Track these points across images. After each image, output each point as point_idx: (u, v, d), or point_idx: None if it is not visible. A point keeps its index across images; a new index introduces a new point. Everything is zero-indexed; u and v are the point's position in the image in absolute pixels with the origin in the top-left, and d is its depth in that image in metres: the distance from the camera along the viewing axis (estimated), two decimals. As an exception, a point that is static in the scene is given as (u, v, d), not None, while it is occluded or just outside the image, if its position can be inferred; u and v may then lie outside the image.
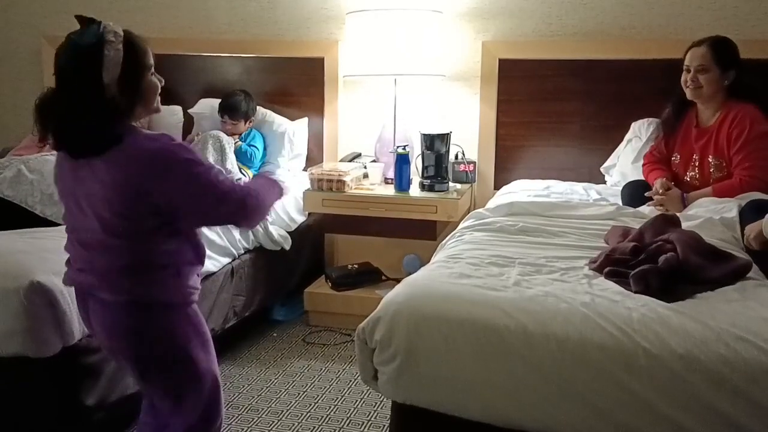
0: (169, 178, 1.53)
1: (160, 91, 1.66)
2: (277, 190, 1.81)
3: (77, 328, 2.05)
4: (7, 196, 2.43)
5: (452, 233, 2.47)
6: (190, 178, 1.55)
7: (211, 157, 3.05)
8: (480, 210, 2.65)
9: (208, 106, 3.62)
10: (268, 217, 3.04)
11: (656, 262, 1.84)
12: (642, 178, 2.88)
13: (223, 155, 3.11)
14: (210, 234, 2.75)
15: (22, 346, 2.00)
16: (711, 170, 2.67)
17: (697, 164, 2.72)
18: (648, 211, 2.56)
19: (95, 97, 1.51)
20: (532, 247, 2.20)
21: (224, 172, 1.65)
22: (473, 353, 1.67)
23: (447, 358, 1.70)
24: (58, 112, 1.55)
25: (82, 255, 1.63)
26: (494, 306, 1.71)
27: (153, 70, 1.63)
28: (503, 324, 1.66)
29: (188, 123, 3.71)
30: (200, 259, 1.71)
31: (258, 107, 3.62)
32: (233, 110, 3.42)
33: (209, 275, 2.74)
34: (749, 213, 2.24)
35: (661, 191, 2.63)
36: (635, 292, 1.77)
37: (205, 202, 1.58)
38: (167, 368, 1.66)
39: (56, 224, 2.46)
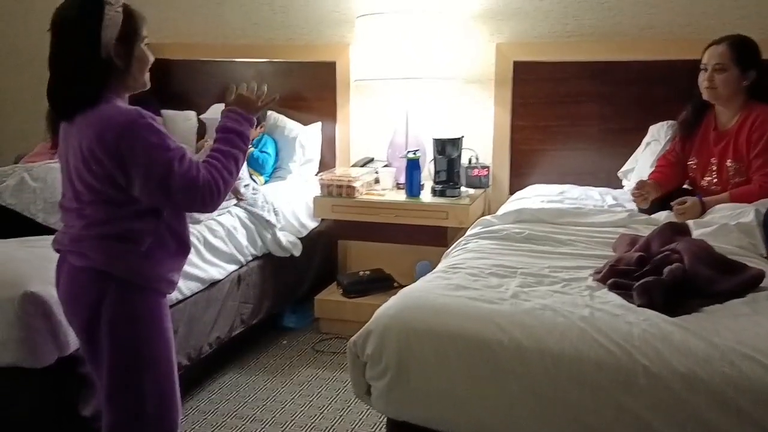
0: (127, 152, 1.52)
1: (150, 65, 1.67)
2: (245, 139, 1.73)
3: (73, 338, 2.03)
4: (9, 205, 2.43)
5: (458, 241, 2.41)
6: (147, 157, 1.53)
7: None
8: (487, 217, 2.58)
9: (220, 111, 3.60)
10: (272, 221, 3.02)
11: (661, 274, 1.75)
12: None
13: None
14: (215, 241, 2.73)
15: (17, 356, 1.99)
16: (730, 174, 2.56)
17: (715, 168, 2.61)
18: (662, 217, 2.46)
19: (91, 52, 1.55)
20: (536, 257, 2.13)
21: (189, 157, 1.59)
22: (465, 369, 1.62)
23: (438, 373, 1.64)
24: (51, 67, 1.60)
25: (64, 219, 1.69)
26: (488, 320, 1.64)
27: (146, 42, 1.66)
28: (496, 339, 1.60)
29: (202, 128, 3.70)
30: (182, 250, 1.70)
31: (270, 112, 3.60)
32: None
33: (214, 283, 2.72)
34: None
35: (644, 188, 2.60)
36: (638, 306, 1.69)
37: (163, 188, 1.54)
38: (114, 347, 1.62)
39: (59, 233, 2.45)
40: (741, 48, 2.53)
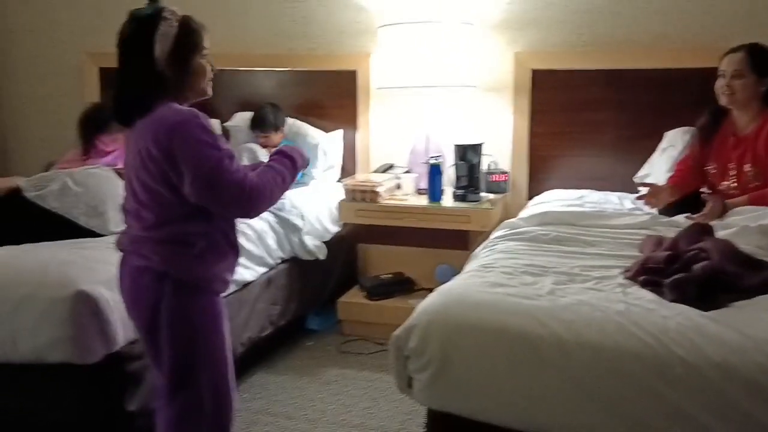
0: (179, 147, 1.58)
1: (211, 76, 1.75)
2: (295, 168, 1.81)
3: (121, 335, 2.11)
4: (53, 208, 2.51)
5: (485, 243, 2.48)
6: (198, 153, 1.59)
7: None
8: (513, 219, 2.66)
9: (243, 120, 3.70)
10: (299, 224, 3.10)
11: (690, 271, 1.83)
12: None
13: (258, 167, 3.17)
14: (247, 244, 2.81)
15: (67, 353, 2.06)
16: (749, 178, 2.64)
17: (734, 173, 2.68)
18: (683, 220, 2.54)
19: (144, 66, 1.63)
20: (565, 257, 2.20)
21: (238, 161, 1.67)
22: (507, 362, 1.68)
23: (481, 366, 1.71)
24: (115, 81, 1.69)
25: (125, 220, 1.76)
26: (528, 315, 1.72)
27: (205, 54, 1.73)
28: (537, 333, 1.67)
29: (226, 136, 3.78)
30: (233, 252, 1.76)
31: (292, 120, 3.69)
32: (262, 123, 3.50)
33: (246, 284, 2.80)
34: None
35: (658, 194, 2.70)
36: (671, 301, 1.77)
37: (210, 185, 1.60)
38: (174, 346, 1.69)
39: (100, 235, 2.54)
40: (758, 55, 2.61)
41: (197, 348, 1.71)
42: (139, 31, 1.65)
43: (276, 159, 1.81)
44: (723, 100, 2.68)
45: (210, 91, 1.77)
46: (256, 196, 1.67)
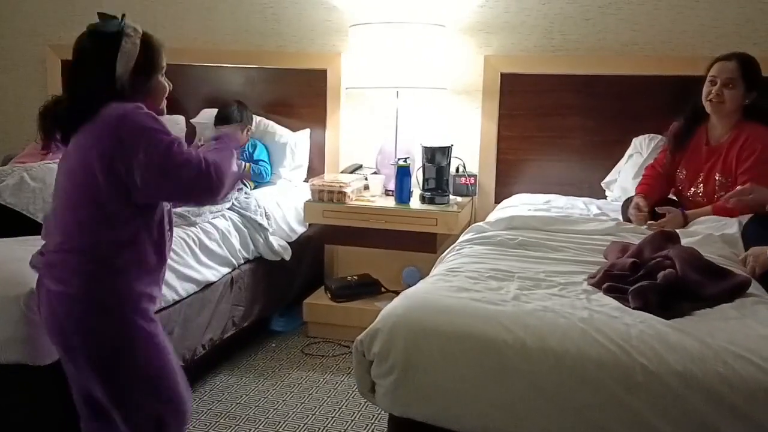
0: (130, 142, 1.54)
1: (167, 94, 1.73)
2: (231, 157, 1.75)
3: (76, 336, 2.05)
4: (9, 204, 2.44)
5: (452, 246, 2.47)
6: (150, 144, 1.55)
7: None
8: (480, 223, 2.65)
9: (210, 116, 3.64)
10: (264, 224, 3.06)
11: (655, 279, 1.84)
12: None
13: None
14: (210, 243, 2.76)
15: (22, 354, 2.00)
16: (716, 188, 2.66)
17: (701, 180, 2.70)
18: (647, 228, 2.56)
19: (104, 83, 1.58)
20: (531, 262, 2.20)
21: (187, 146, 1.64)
22: (471, 367, 1.67)
23: (445, 371, 1.69)
24: (65, 91, 1.64)
25: (44, 235, 1.69)
26: (493, 320, 1.71)
27: (164, 72, 1.70)
28: (501, 338, 1.66)
29: (191, 133, 3.72)
30: (161, 259, 1.69)
31: (260, 118, 3.64)
32: (227, 121, 3.44)
33: (209, 285, 2.74)
34: (754, 227, 2.24)
35: (642, 210, 2.64)
36: (634, 308, 1.77)
37: (165, 169, 1.56)
38: (102, 375, 1.63)
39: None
40: (749, 66, 2.60)
41: (128, 372, 1.64)
42: (100, 47, 1.60)
43: (215, 143, 1.78)
44: (710, 108, 2.65)
45: (165, 110, 1.75)
46: (219, 173, 1.62)
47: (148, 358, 1.66)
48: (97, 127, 1.57)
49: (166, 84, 1.71)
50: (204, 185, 1.61)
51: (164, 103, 1.74)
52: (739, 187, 2.35)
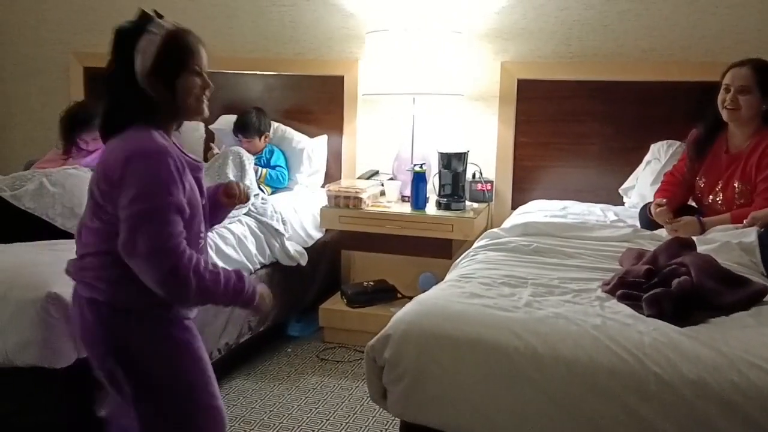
0: (130, 172, 1.46)
1: (203, 94, 1.60)
2: (241, 298, 1.60)
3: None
4: (28, 209, 2.48)
5: (466, 252, 2.47)
6: (144, 185, 1.45)
7: (230, 173, 3.08)
8: (495, 229, 2.64)
9: (228, 123, 3.67)
10: (281, 229, 3.04)
11: (670, 286, 1.82)
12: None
13: (243, 171, 3.14)
14: (226, 248, 2.78)
15: (38, 357, 2.03)
16: (736, 195, 2.62)
17: (721, 188, 2.66)
18: (665, 234, 2.53)
19: (125, 82, 1.53)
20: (545, 268, 2.19)
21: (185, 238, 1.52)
22: (482, 374, 1.67)
23: (455, 378, 1.69)
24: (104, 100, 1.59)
25: (77, 241, 1.63)
26: (504, 327, 1.70)
27: (199, 71, 1.58)
28: (512, 345, 1.65)
29: (210, 139, 3.75)
30: None
31: (278, 124, 3.67)
32: (245, 128, 3.47)
33: (225, 290, 2.76)
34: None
35: (657, 210, 2.62)
36: (648, 316, 1.75)
37: (135, 219, 1.44)
38: (135, 383, 1.58)
39: (76, 237, 2.49)
40: (764, 72, 2.55)
41: (161, 380, 1.58)
42: (119, 44, 1.55)
43: (233, 277, 1.60)
44: (726, 115, 2.60)
45: (206, 111, 1.63)
46: (180, 270, 1.44)
47: (184, 367, 1.61)
48: (109, 150, 1.54)
49: (196, 82, 1.58)
50: (156, 271, 1.45)
51: (204, 104, 1.61)
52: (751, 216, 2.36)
